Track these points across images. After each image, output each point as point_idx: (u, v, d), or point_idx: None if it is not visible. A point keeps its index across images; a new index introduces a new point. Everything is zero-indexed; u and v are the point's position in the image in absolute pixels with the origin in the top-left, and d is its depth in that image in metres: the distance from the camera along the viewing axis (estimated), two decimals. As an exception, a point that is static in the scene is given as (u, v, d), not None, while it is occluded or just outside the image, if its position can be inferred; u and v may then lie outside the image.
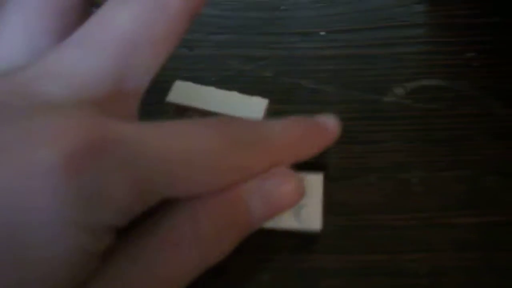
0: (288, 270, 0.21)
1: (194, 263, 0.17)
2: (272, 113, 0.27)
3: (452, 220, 0.23)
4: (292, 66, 0.30)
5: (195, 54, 0.30)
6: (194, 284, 0.20)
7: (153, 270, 0.16)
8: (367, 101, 0.28)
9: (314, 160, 0.25)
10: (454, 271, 0.21)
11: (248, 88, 0.28)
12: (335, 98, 0.28)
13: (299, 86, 0.29)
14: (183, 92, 0.24)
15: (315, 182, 0.22)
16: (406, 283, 0.21)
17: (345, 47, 0.31)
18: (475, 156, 0.25)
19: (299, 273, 0.21)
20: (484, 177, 0.25)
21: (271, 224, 0.20)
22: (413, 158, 0.25)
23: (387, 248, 0.22)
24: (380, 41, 0.32)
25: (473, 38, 0.32)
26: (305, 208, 0.21)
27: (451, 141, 0.26)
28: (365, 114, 0.27)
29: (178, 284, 0.17)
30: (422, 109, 0.28)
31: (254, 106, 0.25)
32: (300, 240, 0.22)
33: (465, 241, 0.22)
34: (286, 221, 0.20)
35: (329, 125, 0.21)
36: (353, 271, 0.21)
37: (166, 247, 0.16)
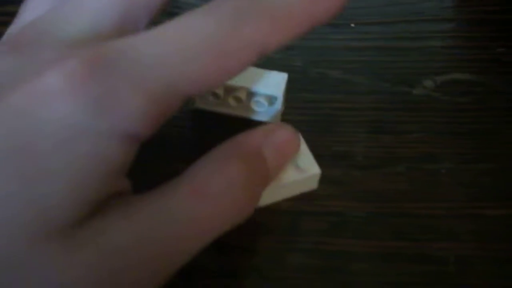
0: (317, 252, 0.22)
1: (229, 215, 0.17)
2: (301, 101, 0.28)
3: (479, 211, 0.23)
4: (322, 57, 0.30)
5: (227, 42, 0.31)
6: (224, 260, 0.21)
7: (179, 221, 0.16)
8: (396, 92, 0.28)
9: (343, 148, 0.26)
10: (481, 261, 0.22)
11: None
12: (364, 89, 0.29)
13: (328, 76, 0.29)
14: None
15: None
16: (433, 270, 0.21)
17: (375, 39, 0.32)
18: (502, 149, 0.26)
19: (328, 255, 0.22)
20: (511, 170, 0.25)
21: (280, 192, 0.22)
22: (441, 150, 0.26)
23: (415, 235, 0.22)
24: (410, 34, 0.32)
25: (503, 33, 0.32)
26: (300, 159, 0.22)
27: (479, 134, 0.26)
28: (394, 106, 0.28)
29: (204, 240, 0.17)
30: (451, 102, 0.28)
31: (274, 80, 0.25)
32: (329, 225, 0.23)
33: (492, 232, 0.23)
34: (290, 176, 0.22)
35: None
36: (381, 256, 0.22)
37: (194, 196, 0.16)
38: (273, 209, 0.23)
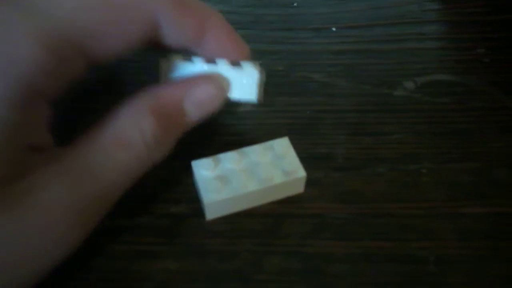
0: (297, 254, 0.22)
1: (143, 160, 0.19)
2: (283, 105, 0.28)
3: (459, 210, 0.23)
4: (304, 61, 0.31)
5: (209, 48, 0.31)
6: (204, 265, 0.21)
7: (109, 169, 0.18)
8: (377, 94, 0.29)
9: (324, 150, 0.26)
10: (461, 259, 0.22)
11: (260, 81, 0.29)
12: (346, 92, 0.29)
13: (311, 79, 0.30)
14: (172, 68, 0.23)
15: (284, 142, 0.24)
16: (414, 270, 0.21)
17: (357, 42, 0.32)
18: (483, 148, 0.26)
19: (309, 257, 0.22)
20: (492, 169, 0.25)
21: (266, 195, 0.23)
22: (422, 150, 0.26)
23: (395, 235, 0.22)
24: (391, 37, 0.32)
25: (484, 34, 0.33)
26: (287, 163, 0.23)
27: (460, 134, 0.27)
28: (375, 107, 0.28)
29: (127, 182, 0.19)
30: (432, 103, 0.28)
31: (247, 76, 0.23)
32: (309, 227, 0.23)
33: (472, 230, 0.23)
34: (276, 179, 0.23)
35: None
36: (361, 257, 0.22)
37: (117, 146, 0.18)
38: (254, 213, 0.23)
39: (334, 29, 0.33)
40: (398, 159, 0.25)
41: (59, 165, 0.17)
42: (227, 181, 0.22)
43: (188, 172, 0.23)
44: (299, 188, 0.24)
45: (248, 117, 0.27)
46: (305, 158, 0.25)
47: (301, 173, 0.23)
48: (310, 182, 0.24)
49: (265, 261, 0.22)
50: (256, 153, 0.23)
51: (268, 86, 0.29)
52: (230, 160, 0.23)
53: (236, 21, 0.33)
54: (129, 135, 0.18)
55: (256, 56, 0.31)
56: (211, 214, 0.22)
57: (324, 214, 0.23)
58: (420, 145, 0.26)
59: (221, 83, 0.21)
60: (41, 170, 0.16)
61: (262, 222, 0.23)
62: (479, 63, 0.31)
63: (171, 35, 0.20)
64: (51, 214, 0.16)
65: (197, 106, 0.20)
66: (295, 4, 0.34)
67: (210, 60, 0.21)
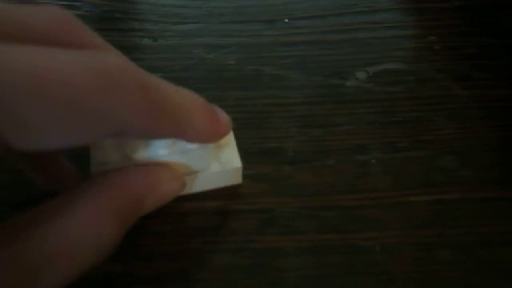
0: (245, 250, 0.22)
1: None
2: (234, 99, 0.28)
3: (407, 199, 0.23)
4: (256, 54, 0.30)
5: (159, 44, 0.31)
6: (149, 267, 0.21)
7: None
8: (329, 85, 0.29)
9: (274, 144, 0.26)
10: (405, 248, 0.22)
11: (211, 76, 0.29)
12: (298, 84, 0.29)
13: (262, 72, 0.29)
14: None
15: None
16: (360, 261, 0.21)
17: (309, 33, 0.32)
18: (431, 136, 0.26)
19: (256, 253, 0.21)
20: (441, 156, 0.25)
21: (201, 183, 0.23)
22: (372, 140, 0.26)
23: (343, 227, 0.22)
24: (344, 26, 0.32)
25: (435, 22, 0.33)
26: (223, 153, 0.23)
27: (409, 122, 0.27)
28: (326, 99, 0.28)
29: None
30: (383, 92, 0.28)
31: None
32: (257, 222, 0.23)
33: (418, 218, 0.23)
34: (211, 168, 0.22)
35: None
36: (308, 251, 0.22)
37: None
38: (201, 211, 0.23)
39: (286, 20, 0.32)
40: (348, 150, 0.25)
41: None
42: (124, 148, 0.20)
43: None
44: (238, 179, 0.24)
45: (197, 113, 0.27)
46: (255, 153, 0.25)
47: (236, 163, 0.23)
48: (259, 177, 0.24)
49: (212, 260, 0.21)
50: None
51: (219, 81, 0.29)
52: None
53: (187, 15, 0.32)
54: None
55: (207, 51, 0.30)
56: None
57: (273, 209, 0.23)
58: (370, 135, 0.26)
59: (181, 176, 0.20)
60: None
61: (209, 219, 0.23)
62: (431, 50, 0.31)
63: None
64: None
65: (156, 201, 0.19)
66: (247, -4, 0.34)
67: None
